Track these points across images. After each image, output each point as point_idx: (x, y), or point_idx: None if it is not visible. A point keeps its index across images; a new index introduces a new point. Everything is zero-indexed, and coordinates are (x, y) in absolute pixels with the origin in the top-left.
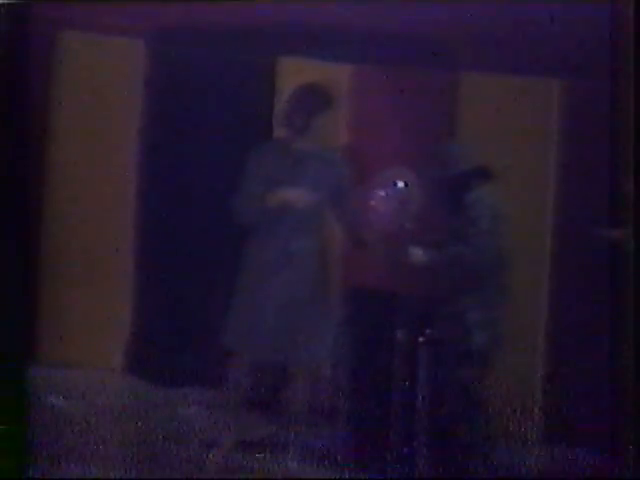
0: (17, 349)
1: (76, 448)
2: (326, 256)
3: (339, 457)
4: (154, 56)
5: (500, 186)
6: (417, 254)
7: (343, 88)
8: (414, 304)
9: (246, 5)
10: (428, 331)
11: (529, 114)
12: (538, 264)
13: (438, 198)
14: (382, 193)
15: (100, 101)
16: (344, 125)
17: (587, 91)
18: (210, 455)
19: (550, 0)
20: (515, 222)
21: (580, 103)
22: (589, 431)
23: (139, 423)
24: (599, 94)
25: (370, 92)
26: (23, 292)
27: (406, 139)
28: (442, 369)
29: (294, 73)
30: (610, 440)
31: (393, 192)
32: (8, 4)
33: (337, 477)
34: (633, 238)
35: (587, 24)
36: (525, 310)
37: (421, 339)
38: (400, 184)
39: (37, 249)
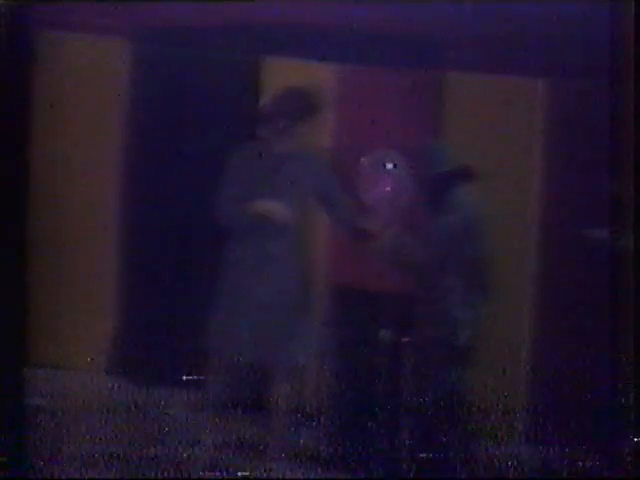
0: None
1: (61, 447)
2: (306, 257)
3: (322, 456)
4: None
5: (492, 185)
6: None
7: (328, 88)
8: (397, 303)
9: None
10: (409, 330)
11: (525, 114)
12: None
13: (423, 197)
14: (371, 172)
15: (86, 100)
16: (330, 124)
17: (586, 91)
18: (194, 454)
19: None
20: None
21: (579, 103)
22: (588, 432)
23: (123, 423)
24: (598, 94)
25: (355, 92)
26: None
27: (391, 139)
28: (421, 366)
29: (279, 73)
30: (609, 442)
31: (382, 172)
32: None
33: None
34: (633, 238)
35: (587, 24)
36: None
37: (404, 339)
38: (389, 166)
39: (22, 253)
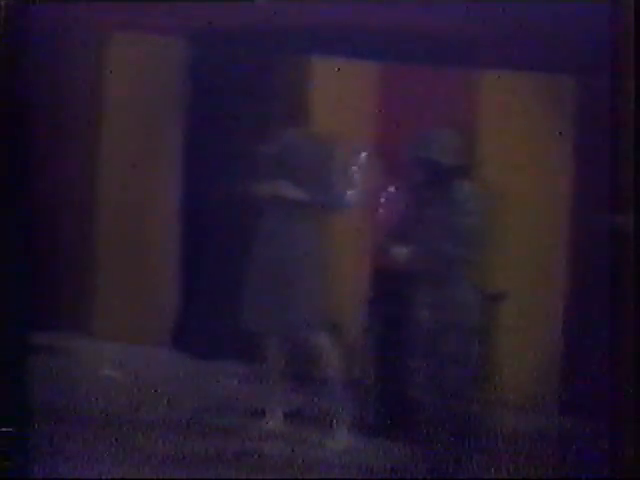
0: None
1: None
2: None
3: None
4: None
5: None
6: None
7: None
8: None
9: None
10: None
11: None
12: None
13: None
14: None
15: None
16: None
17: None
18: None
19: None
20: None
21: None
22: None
23: (183, 394)
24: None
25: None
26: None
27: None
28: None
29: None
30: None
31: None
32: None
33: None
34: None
35: (587, 24)
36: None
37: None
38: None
39: (91, 238)
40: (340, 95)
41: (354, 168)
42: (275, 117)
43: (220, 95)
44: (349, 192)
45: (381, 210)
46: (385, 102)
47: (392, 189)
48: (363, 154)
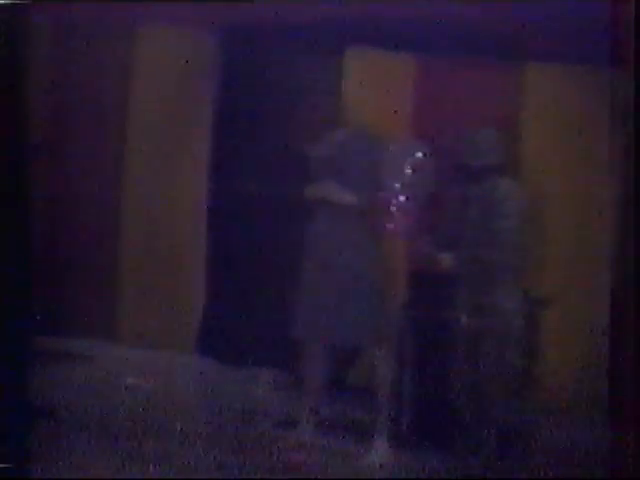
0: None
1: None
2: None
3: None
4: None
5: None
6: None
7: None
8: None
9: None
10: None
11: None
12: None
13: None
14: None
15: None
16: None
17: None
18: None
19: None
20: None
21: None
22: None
23: (211, 401)
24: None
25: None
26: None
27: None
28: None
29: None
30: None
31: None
32: None
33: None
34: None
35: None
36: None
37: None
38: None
39: (117, 243)
40: (379, 90)
41: (407, 171)
42: (316, 114)
43: (260, 94)
44: (397, 193)
45: (425, 213)
46: (425, 98)
47: (436, 192)
48: (415, 155)
